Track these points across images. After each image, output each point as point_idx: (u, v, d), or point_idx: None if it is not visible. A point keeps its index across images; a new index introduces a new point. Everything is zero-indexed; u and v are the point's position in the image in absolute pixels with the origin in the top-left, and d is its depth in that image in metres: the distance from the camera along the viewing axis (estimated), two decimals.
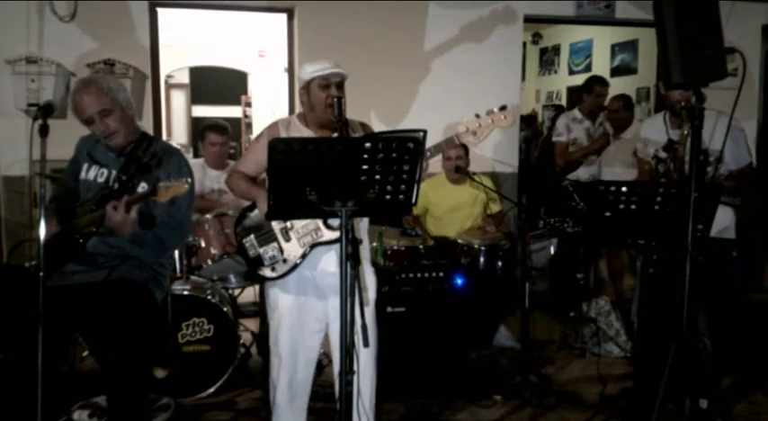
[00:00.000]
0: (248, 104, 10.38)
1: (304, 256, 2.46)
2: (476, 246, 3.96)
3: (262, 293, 3.66)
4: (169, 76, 10.03)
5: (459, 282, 3.46)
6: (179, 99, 10.77)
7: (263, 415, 3.13)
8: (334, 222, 2.34)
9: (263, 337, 3.71)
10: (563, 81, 9.81)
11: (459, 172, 4.14)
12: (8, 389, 2.41)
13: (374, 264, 2.87)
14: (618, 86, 7.12)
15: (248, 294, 4.38)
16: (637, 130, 3.81)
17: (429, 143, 2.16)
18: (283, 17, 5.23)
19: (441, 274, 3.43)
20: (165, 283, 2.77)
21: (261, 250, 2.51)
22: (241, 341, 3.60)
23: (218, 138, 4.20)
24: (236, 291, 4.06)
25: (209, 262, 3.59)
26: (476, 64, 5.22)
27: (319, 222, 2.44)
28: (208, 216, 3.62)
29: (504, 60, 5.32)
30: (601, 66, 8.68)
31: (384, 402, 3.11)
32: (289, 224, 2.48)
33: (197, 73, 10.66)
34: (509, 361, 3.82)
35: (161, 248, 2.68)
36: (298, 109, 3.43)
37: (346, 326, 1.92)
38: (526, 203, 5.87)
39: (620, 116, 5.11)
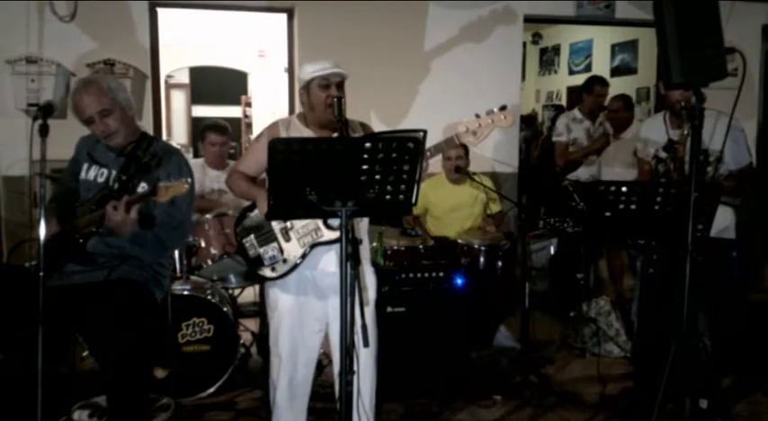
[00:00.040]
0: (248, 104, 10.38)
1: (304, 256, 2.46)
2: (476, 246, 3.96)
3: (262, 293, 3.66)
4: (169, 76, 10.03)
5: (459, 282, 3.46)
6: (179, 99, 10.77)
7: (263, 415, 3.13)
8: (334, 222, 2.34)
9: (263, 337, 3.71)
10: (563, 81, 9.82)
11: (459, 172, 4.14)
12: (8, 389, 2.41)
13: (374, 264, 2.87)
14: (618, 86, 7.12)
15: (248, 294, 4.38)
16: (637, 130, 3.81)
17: (429, 143, 2.16)
18: (283, 17, 5.23)
19: (441, 274, 3.43)
20: (165, 283, 2.77)
21: (261, 250, 2.51)
22: (241, 341, 3.60)
23: (218, 138, 4.20)
24: (236, 291, 4.06)
25: (209, 262, 3.59)
26: (476, 64, 5.22)
27: (319, 222, 2.44)
28: (208, 216, 3.62)
29: (504, 60, 5.32)
30: (601, 66, 8.68)
31: (384, 402, 3.12)
32: (289, 224, 2.48)
33: (197, 73, 10.65)
34: (509, 361, 3.82)
35: (161, 248, 2.68)
36: (298, 109, 3.43)
37: (346, 327, 1.92)
38: (526, 203, 5.87)
39: (620, 116, 5.11)
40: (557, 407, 3.34)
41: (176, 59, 9.27)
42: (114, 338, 2.39)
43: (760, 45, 5.86)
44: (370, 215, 2.53)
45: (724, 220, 3.00)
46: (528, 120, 8.38)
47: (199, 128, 5.00)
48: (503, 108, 2.47)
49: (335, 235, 2.36)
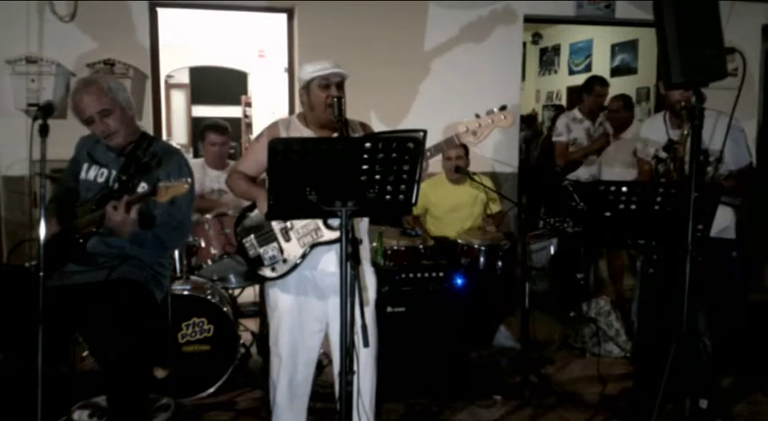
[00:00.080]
0: (248, 104, 10.38)
1: (304, 256, 2.46)
2: (476, 246, 3.96)
3: (262, 293, 3.66)
4: (169, 76, 10.03)
5: (459, 282, 3.46)
6: (179, 99, 10.76)
7: (263, 415, 3.13)
8: (334, 222, 2.34)
9: (263, 337, 3.71)
10: (563, 81, 9.81)
11: (459, 172, 4.14)
12: (8, 389, 2.41)
13: (374, 264, 2.87)
14: (618, 86, 7.12)
15: (248, 294, 4.38)
16: (637, 130, 3.81)
17: (429, 143, 2.16)
18: (283, 17, 5.23)
19: (441, 274, 3.43)
20: (165, 283, 2.77)
21: (261, 250, 2.51)
22: (241, 341, 3.60)
23: (218, 138, 4.20)
24: (236, 291, 4.06)
25: (209, 262, 3.59)
26: (476, 64, 5.22)
27: (319, 222, 2.44)
28: (208, 216, 3.62)
29: (503, 60, 5.32)
30: (601, 66, 8.67)
31: (384, 402, 3.11)
32: (289, 224, 2.48)
33: (197, 73, 10.65)
34: (509, 361, 3.82)
35: (161, 248, 2.68)
36: (298, 109, 3.43)
37: (346, 326, 1.92)
38: (526, 203, 5.88)
39: (620, 116, 5.11)
40: (557, 407, 3.34)
41: (176, 59, 9.27)
42: (114, 338, 2.39)
43: (760, 45, 5.86)
44: (370, 215, 2.53)
45: (724, 220, 3.00)
46: (528, 120, 8.38)
47: (199, 128, 5.00)
48: (503, 108, 2.47)
49: (335, 235, 2.36)
